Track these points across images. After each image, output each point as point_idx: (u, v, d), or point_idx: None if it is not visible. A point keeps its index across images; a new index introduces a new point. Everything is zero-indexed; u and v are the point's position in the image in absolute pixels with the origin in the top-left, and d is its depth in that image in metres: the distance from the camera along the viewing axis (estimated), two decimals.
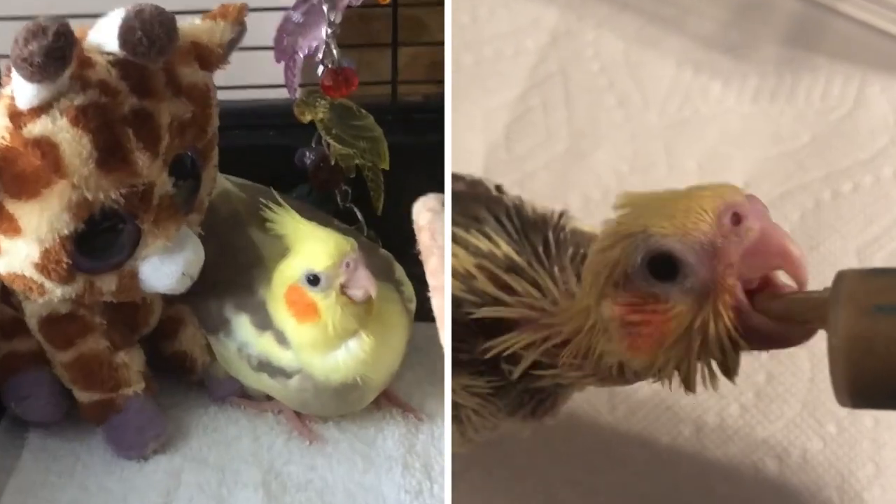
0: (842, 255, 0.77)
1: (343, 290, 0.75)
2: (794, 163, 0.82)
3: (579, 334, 0.54)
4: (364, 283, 0.75)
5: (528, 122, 0.87)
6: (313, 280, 0.75)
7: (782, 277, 0.51)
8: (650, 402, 0.72)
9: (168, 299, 0.83)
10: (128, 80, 0.71)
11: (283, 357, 0.79)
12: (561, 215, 0.64)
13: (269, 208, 0.78)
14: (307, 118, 0.88)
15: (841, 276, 0.49)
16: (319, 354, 0.77)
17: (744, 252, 0.49)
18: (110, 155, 0.69)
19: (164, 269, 0.74)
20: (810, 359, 0.72)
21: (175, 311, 0.85)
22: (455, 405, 0.60)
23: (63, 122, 0.68)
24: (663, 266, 0.50)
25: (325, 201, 0.92)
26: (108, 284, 0.74)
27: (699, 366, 0.51)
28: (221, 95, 0.80)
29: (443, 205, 0.66)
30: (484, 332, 0.59)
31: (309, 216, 0.80)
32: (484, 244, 0.61)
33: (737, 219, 0.49)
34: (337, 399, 0.80)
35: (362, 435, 0.84)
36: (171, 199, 0.74)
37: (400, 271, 0.85)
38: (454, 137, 0.83)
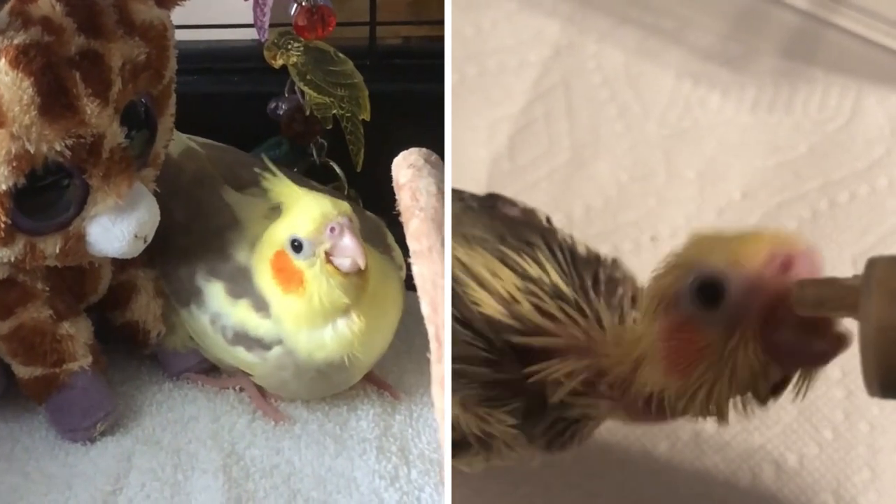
0: (838, 264, 0.82)
1: (328, 258, 0.74)
2: (791, 172, 0.89)
3: (622, 364, 0.59)
4: (351, 252, 0.74)
5: (531, 132, 0.93)
6: (297, 246, 0.75)
7: None
8: None
9: (119, 264, 0.83)
10: (74, 16, 0.70)
11: (260, 326, 0.78)
12: (614, 260, 0.68)
13: (262, 175, 0.78)
14: (279, 63, 0.88)
15: (872, 263, 0.51)
16: (305, 329, 0.77)
17: (785, 299, 0.52)
18: (55, 101, 0.68)
19: (115, 230, 0.73)
20: None
21: (126, 277, 0.84)
22: (489, 435, 0.63)
23: (1, 64, 0.67)
24: (710, 294, 0.54)
25: (300, 156, 0.92)
26: (51, 247, 0.74)
27: (730, 393, 0.55)
28: (180, 35, 0.79)
29: (426, 161, 0.65)
30: (520, 356, 0.63)
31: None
32: (534, 269, 0.64)
33: (787, 265, 0.53)
34: (319, 380, 0.79)
35: (333, 415, 0.83)
36: (123, 151, 0.73)
37: (390, 236, 0.84)
38: (458, 147, 0.90)
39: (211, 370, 0.86)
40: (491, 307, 0.62)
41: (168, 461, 0.78)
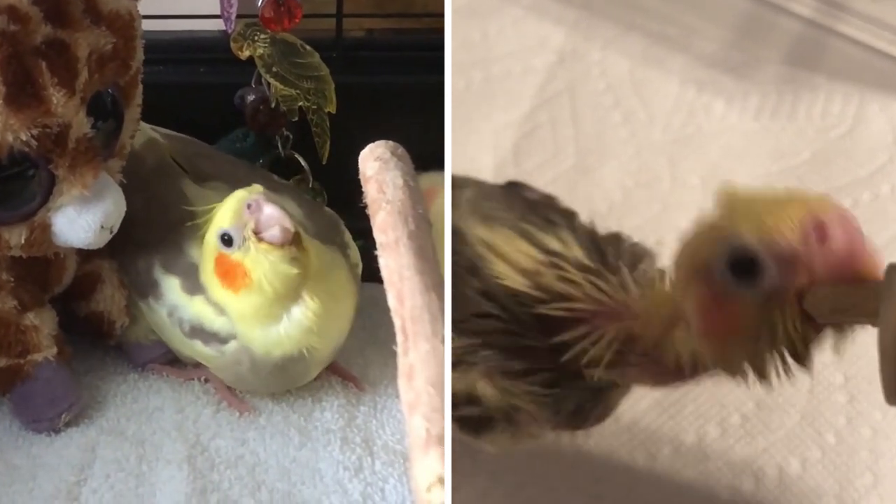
0: None
1: (258, 237, 0.74)
2: (794, 178, 0.90)
3: (653, 326, 0.59)
4: (275, 220, 0.73)
5: (536, 138, 0.95)
6: (227, 240, 0.75)
7: None
8: (653, 411, 0.78)
9: (84, 255, 0.82)
10: (41, 5, 0.70)
11: (216, 321, 0.78)
12: (636, 242, 0.69)
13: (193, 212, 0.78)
14: (245, 54, 0.87)
15: (893, 269, 0.50)
16: (261, 326, 0.77)
17: (827, 266, 0.51)
18: (20, 91, 0.67)
19: (81, 221, 0.73)
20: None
21: (91, 268, 0.84)
22: (515, 408, 0.64)
23: None
24: (745, 266, 0.53)
25: (265, 148, 0.92)
26: (16, 237, 0.73)
27: (770, 357, 0.54)
28: (146, 25, 0.79)
29: (392, 153, 0.65)
30: (545, 327, 0.63)
31: (242, 173, 0.79)
32: (556, 244, 0.65)
33: (822, 234, 0.51)
34: (277, 374, 0.79)
35: (298, 406, 0.83)
36: (89, 141, 0.72)
37: (347, 234, 0.84)
38: (465, 153, 0.93)
39: (175, 361, 0.85)
40: (513, 279, 0.63)
41: (133, 452, 0.78)
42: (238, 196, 0.75)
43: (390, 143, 0.66)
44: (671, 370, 0.60)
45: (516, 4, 1.02)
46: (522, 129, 0.95)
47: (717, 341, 0.55)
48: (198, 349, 0.80)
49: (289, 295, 0.76)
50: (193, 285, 0.79)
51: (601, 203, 0.90)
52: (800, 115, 0.94)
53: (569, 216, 0.69)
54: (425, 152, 0.70)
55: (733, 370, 0.56)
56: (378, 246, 0.60)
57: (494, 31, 1.01)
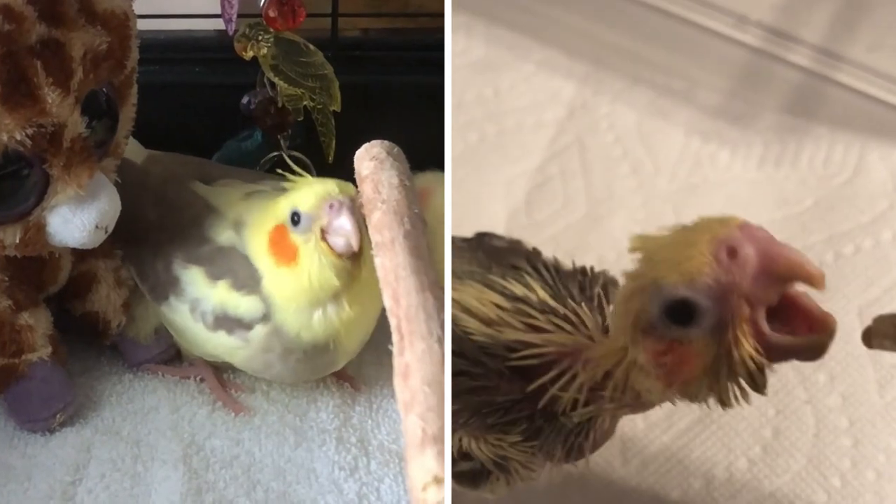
0: (844, 315, 0.84)
1: (324, 235, 0.74)
2: (798, 225, 0.92)
3: (618, 368, 0.59)
4: (345, 232, 0.72)
5: (547, 189, 0.97)
6: (296, 220, 0.74)
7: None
8: (661, 455, 0.79)
9: (79, 254, 0.82)
10: (36, 4, 0.69)
11: (240, 305, 0.77)
12: (602, 272, 0.69)
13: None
14: (249, 54, 0.87)
15: None
16: (294, 307, 0.76)
17: (751, 279, 0.53)
18: (15, 90, 0.67)
19: (76, 220, 0.73)
20: (815, 414, 0.80)
21: (87, 268, 0.83)
22: (504, 458, 0.65)
23: None
24: (682, 311, 0.54)
25: (272, 147, 0.91)
26: (10, 237, 0.73)
27: (730, 386, 0.56)
28: (141, 25, 0.79)
29: (388, 153, 0.65)
30: (520, 376, 0.63)
31: (248, 175, 0.79)
32: (519, 290, 0.65)
33: (732, 252, 0.53)
34: (304, 362, 0.78)
35: (293, 406, 0.83)
36: (84, 141, 0.72)
37: None
38: (478, 202, 0.95)
39: (171, 360, 0.86)
40: (482, 333, 0.63)
41: (128, 452, 0.78)
42: (327, 188, 0.73)
43: (386, 142, 0.66)
44: (640, 403, 0.60)
45: (528, 60, 1.04)
46: (534, 181, 0.97)
47: (681, 385, 0.56)
48: (222, 342, 0.79)
49: (325, 297, 0.75)
50: (219, 269, 0.78)
51: (610, 251, 0.91)
52: (802, 163, 0.96)
53: (534, 257, 0.69)
54: (421, 152, 0.70)
55: (695, 400, 0.58)
56: (374, 245, 0.60)
57: (507, 86, 1.03)
